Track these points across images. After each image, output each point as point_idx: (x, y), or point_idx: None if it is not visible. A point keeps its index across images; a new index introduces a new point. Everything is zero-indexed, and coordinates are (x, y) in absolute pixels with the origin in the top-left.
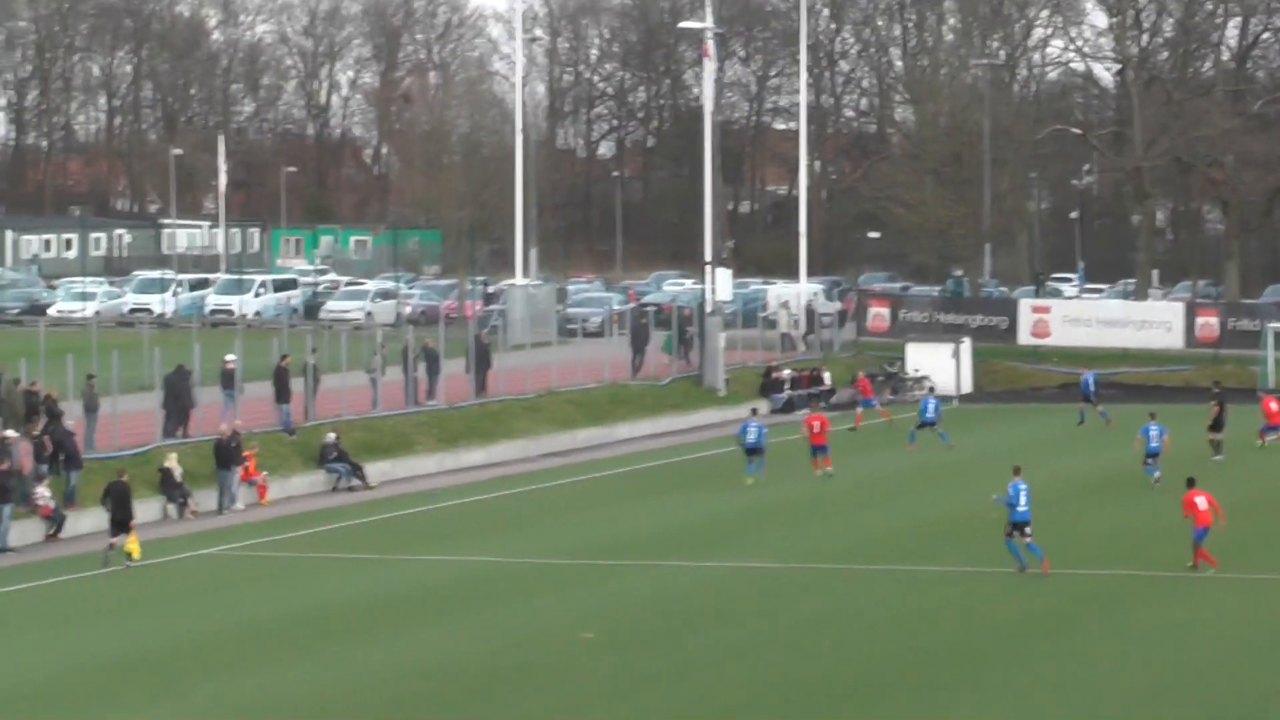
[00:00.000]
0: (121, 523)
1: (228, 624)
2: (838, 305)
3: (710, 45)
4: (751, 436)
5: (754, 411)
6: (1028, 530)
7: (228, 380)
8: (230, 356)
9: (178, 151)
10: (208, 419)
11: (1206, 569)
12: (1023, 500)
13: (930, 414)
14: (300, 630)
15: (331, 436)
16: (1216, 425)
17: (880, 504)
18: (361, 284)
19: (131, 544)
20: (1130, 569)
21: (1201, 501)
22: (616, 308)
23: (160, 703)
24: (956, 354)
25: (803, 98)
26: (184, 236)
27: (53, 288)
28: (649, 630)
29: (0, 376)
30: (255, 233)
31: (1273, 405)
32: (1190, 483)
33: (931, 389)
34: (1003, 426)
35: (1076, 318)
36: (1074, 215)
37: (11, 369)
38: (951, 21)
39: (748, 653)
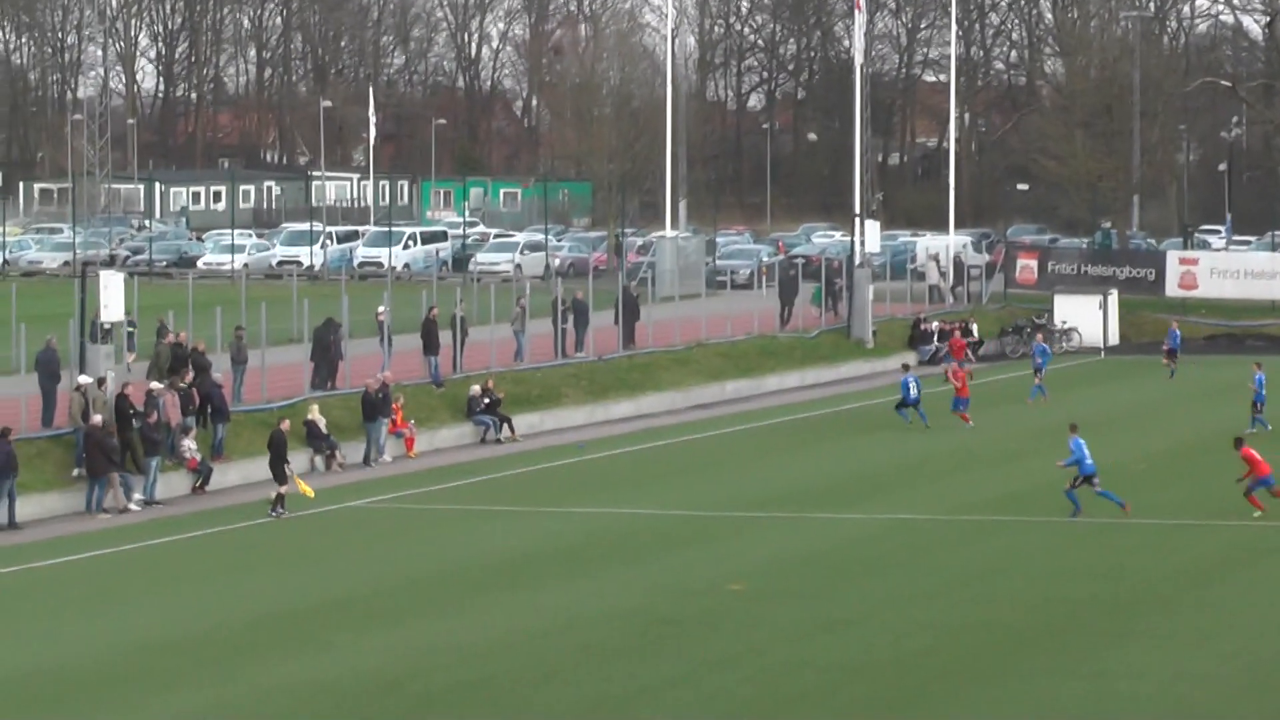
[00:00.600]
0: (281, 469)
1: (376, 577)
2: (986, 257)
3: None
4: (914, 392)
5: (906, 367)
6: (1096, 481)
7: (380, 331)
8: (381, 308)
9: (327, 104)
10: (357, 371)
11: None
12: (1087, 454)
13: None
14: (449, 583)
15: (476, 389)
16: None
17: (1025, 458)
18: (511, 236)
19: (302, 487)
20: (1273, 521)
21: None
22: (765, 260)
23: (309, 655)
24: (1104, 306)
25: (953, 50)
26: (333, 189)
27: (199, 239)
28: (807, 580)
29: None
30: (404, 185)
31: None
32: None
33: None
34: (1148, 378)
35: (1224, 270)
36: (1222, 167)
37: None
38: None
39: (914, 600)
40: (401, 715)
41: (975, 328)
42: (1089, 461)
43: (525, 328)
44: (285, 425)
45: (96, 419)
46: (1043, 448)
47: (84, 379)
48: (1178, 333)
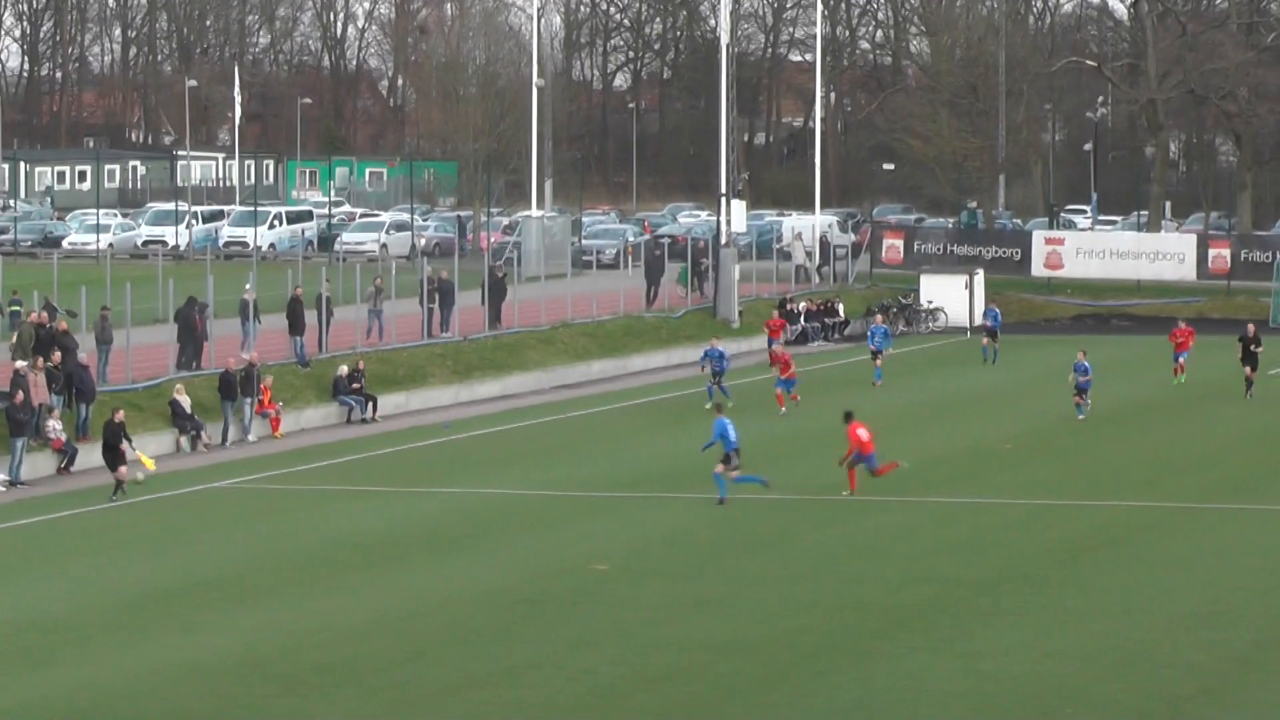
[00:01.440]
0: (116, 456)
1: (242, 558)
2: (852, 237)
3: None
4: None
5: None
6: (735, 461)
7: (244, 311)
8: (247, 287)
9: (193, 83)
10: (222, 351)
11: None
12: (731, 433)
13: (879, 341)
14: (314, 564)
15: (344, 369)
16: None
17: (889, 436)
18: (376, 216)
19: (143, 459)
20: (1142, 500)
21: (864, 433)
22: (631, 240)
23: (172, 634)
24: (970, 285)
25: (818, 29)
26: (198, 168)
27: (60, 219)
28: (673, 560)
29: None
30: (270, 164)
31: None
32: (848, 416)
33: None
34: (1015, 358)
35: (1089, 250)
36: (1088, 147)
37: (25, 302)
38: None
39: (783, 580)
40: (268, 695)
41: (841, 307)
42: (732, 438)
43: (381, 307)
44: (119, 416)
45: None
46: (907, 426)
47: None
48: (997, 311)
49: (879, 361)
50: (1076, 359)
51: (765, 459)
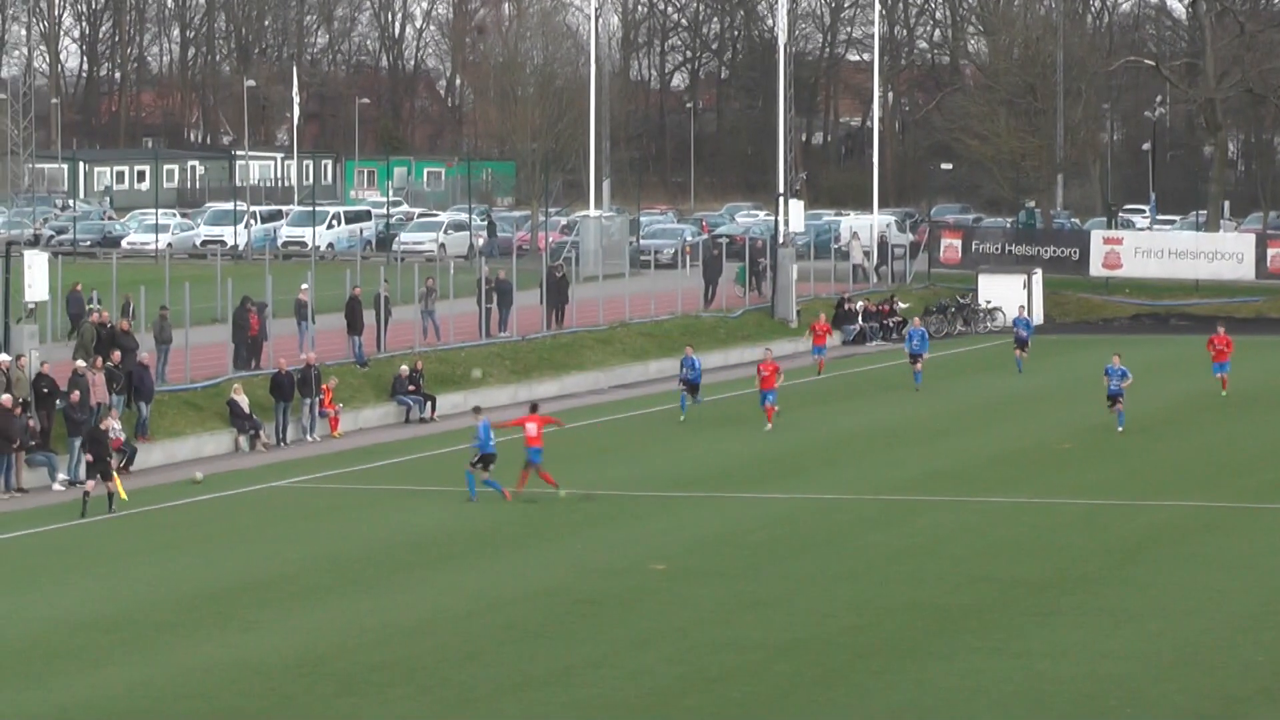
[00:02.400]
0: (102, 468)
1: (299, 557)
2: (910, 237)
3: None
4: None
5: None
6: (491, 468)
7: (301, 311)
8: (304, 287)
9: (251, 83)
10: (281, 351)
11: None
12: (491, 438)
13: (917, 345)
14: (371, 563)
15: (405, 369)
16: None
17: (949, 436)
18: (435, 216)
19: (117, 487)
20: (1200, 500)
21: (533, 428)
22: (689, 239)
23: (230, 633)
24: (1028, 285)
25: (876, 29)
26: (257, 168)
27: (111, 219)
28: (728, 560)
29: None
30: (329, 165)
31: None
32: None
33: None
34: (1074, 357)
35: (1148, 249)
36: (1146, 147)
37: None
38: None
39: (838, 580)
40: (325, 694)
41: (901, 307)
42: (491, 445)
43: (434, 307)
44: (107, 424)
45: (5, 399)
46: (966, 426)
47: (2, 356)
48: (1029, 320)
49: (918, 365)
50: (1110, 363)
51: (815, 461)
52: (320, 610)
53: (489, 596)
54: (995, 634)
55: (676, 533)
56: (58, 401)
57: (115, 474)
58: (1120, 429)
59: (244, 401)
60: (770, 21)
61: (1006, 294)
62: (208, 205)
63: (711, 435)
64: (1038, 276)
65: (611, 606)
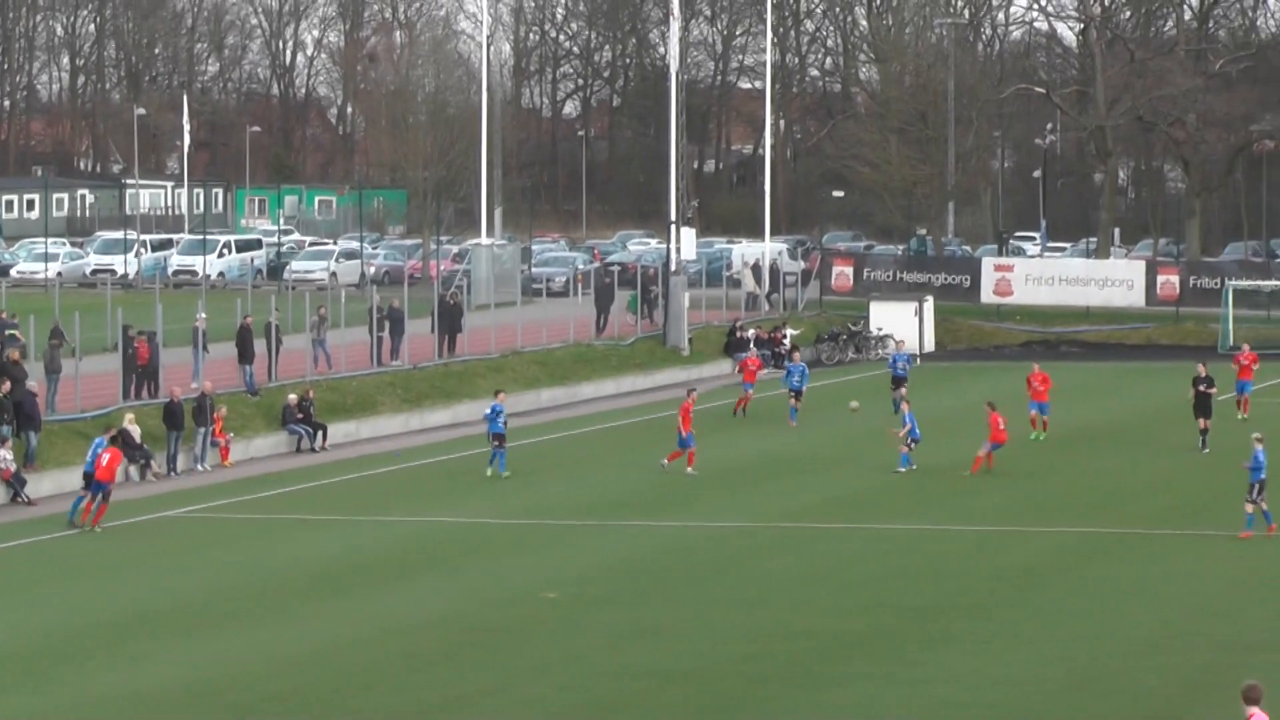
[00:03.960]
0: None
1: (193, 587)
2: (802, 264)
3: (676, 4)
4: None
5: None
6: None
7: (196, 340)
8: (201, 316)
9: (141, 111)
10: (172, 380)
11: None
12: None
13: (797, 381)
14: (265, 593)
15: (293, 398)
16: (1200, 411)
17: (839, 465)
18: (326, 244)
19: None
20: (1094, 526)
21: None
22: (581, 267)
23: (122, 664)
24: (919, 312)
25: (768, 57)
26: (147, 197)
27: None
28: (622, 587)
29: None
30: (219, 193)
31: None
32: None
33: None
34: (965, 384)
35: (1039, 276)
36: (1037, 174)
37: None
38: None
39: (732, 607)
40: None
41: (791, 334)
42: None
43: (325, 336)
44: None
45: None
46: (858, 453)
47: None
48: (905, 356)
49: (796, 402)
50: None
51: (709, 489)
52: (214, 640)
53: (383, 625)
54: (889, 660)
55: (571, 561)
56: None
57: None
58: (902, 470)
59: (136, 431)
60: (662, 49)
61: (898, 321)
62: (98, 234)
63: (605, 464)
64: (929, 304)
65: (506, 635)
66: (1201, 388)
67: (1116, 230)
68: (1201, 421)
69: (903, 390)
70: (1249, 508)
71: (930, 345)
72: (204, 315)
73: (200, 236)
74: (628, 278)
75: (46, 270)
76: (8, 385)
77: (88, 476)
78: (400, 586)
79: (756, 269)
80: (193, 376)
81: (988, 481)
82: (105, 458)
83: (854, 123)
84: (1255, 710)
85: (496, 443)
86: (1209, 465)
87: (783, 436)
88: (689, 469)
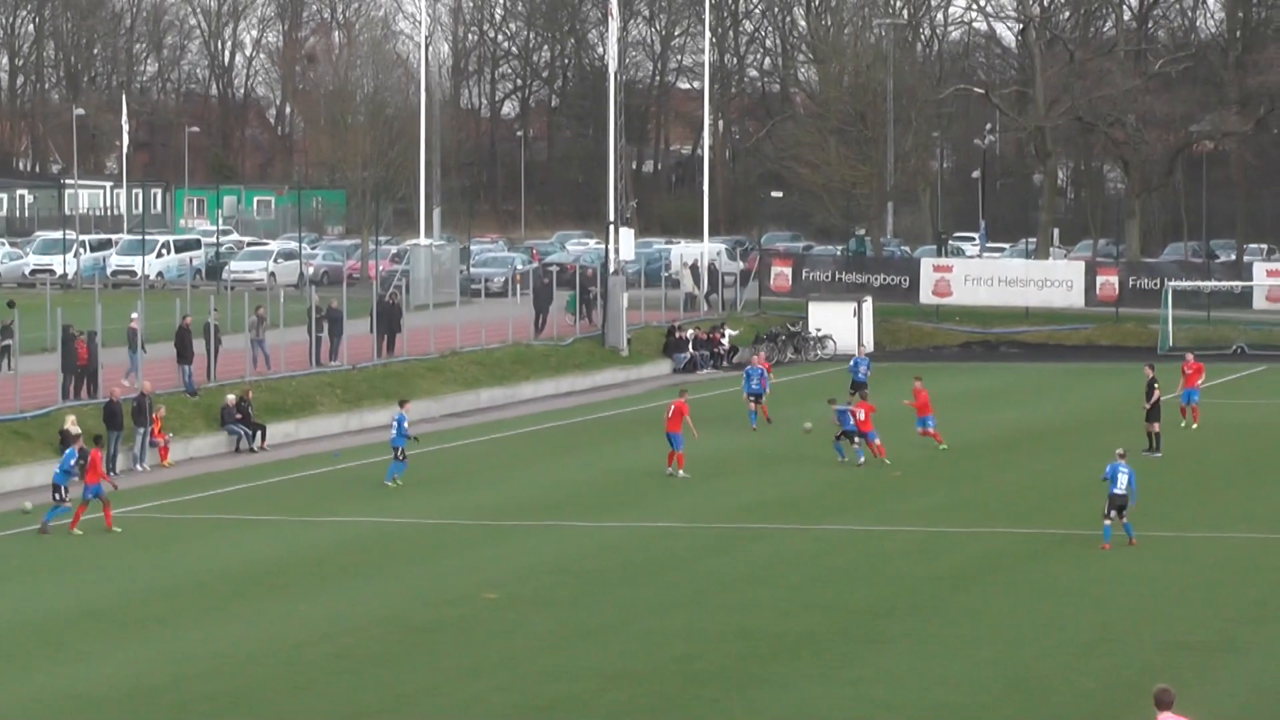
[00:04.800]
0: None
1: (131, 587)
2: (740, 265)
3: (614, 4)
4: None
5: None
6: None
7: (132, 340)
8: (134, 316)
9: (80, 112)
10: (112, 380)
11: None
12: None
13: (756, 385)
14: (203, 593)
15: (231, 398)
16: (1153, 414)
17: (779, 465)
18: (265, 244)
19: None
20: (1032, 527)
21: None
22: (520, 268)
23: (60, 664)
24: (858, 313)
25: (706, 57)
26: (86, 197)
27: None
28: (562, 588)
29: None
30: (158, 193)
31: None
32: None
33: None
34: (904, 385)
35: (978, 277)
36: (976, 175)
37: None
38: None
39: (672, 608)
40: None
41: (729, 335)
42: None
43: (264, 336)
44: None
45: None
46: (798, 454)
47: None
48: (866, 361)
49: (754, 405)
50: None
51: (649, 489)
52: (152, 640)
53: (321, 626)
54: (828, 661)
55: (509, 561)
56: None
57: None
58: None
59: (77, 432)
60: (601, 50)
61: (837, 322)
62: (37, 234)
63: (544, 464)
64: (868, 304)
65: (444, 635)
66: (1158, 391)
67: (1056, 231)
68: (1152, 426)
69: (865, 394)
70: (1109, 521)
71: (869, 346)
72: (138, 315)
73: (139, 237)
74: (566, 278)
75: None
76: None
77: (57, 487)
78: (339, 587)
79: (695, 269)
80: (125, 374)
81: (929, 482)
82: (82, 465)
83: (793, 123)
84: (1167, 714)
85: (395, 453)
86: (1149, 467)
87: (723, 437)
88: (680, 471)
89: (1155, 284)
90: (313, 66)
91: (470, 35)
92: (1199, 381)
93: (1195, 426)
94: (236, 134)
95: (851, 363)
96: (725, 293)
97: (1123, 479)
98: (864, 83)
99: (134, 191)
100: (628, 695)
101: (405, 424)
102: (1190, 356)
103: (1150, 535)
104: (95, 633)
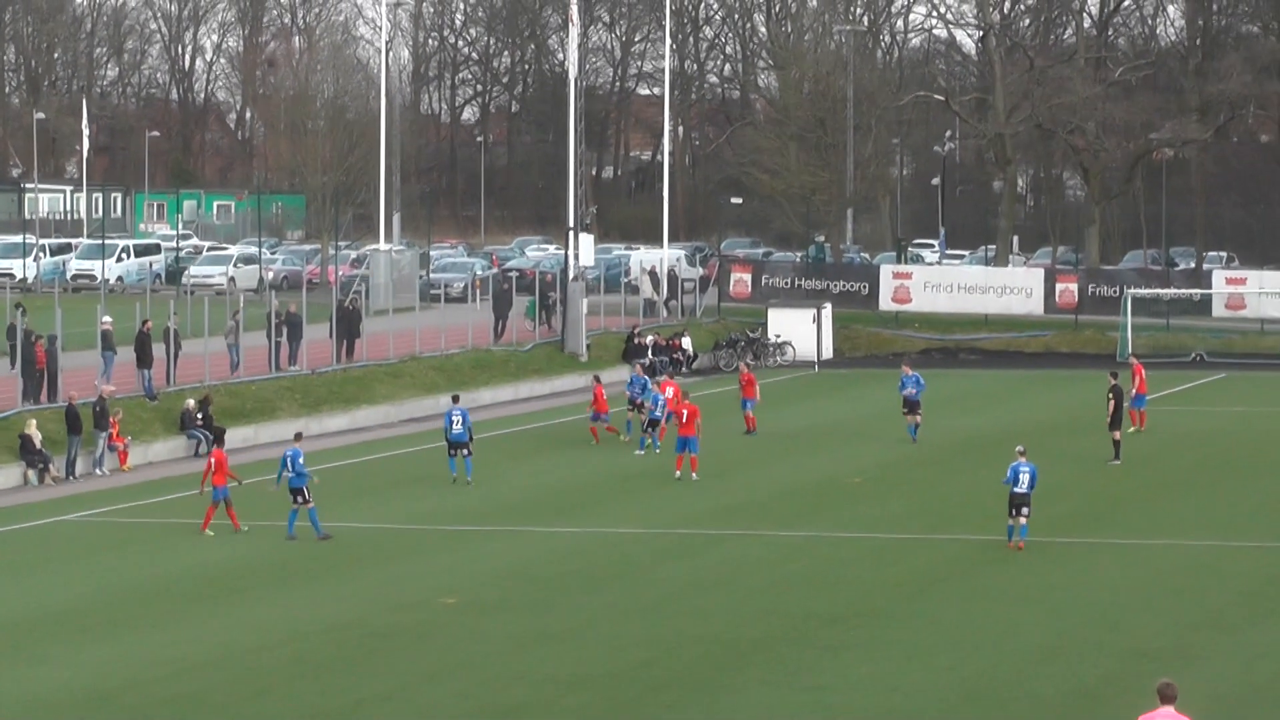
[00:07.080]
0: None
1: (90, 591)
2: (700, 271)
3: (575, 10)
4: (457, 429)
5: (455, 399)
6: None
7: (105, 343)
8: (107, 319)
9: (40, 115)
10: (72, 383)
11: None
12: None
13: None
14: (161, 597)
15: (191, 403)
16: (1115, 422)
17: (737, 470)
18: (225, 249)
19: None
20: (990, 534)
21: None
22: (479, 273)
23: (19, 668)
24: (818, 319)
25: (667, 63)
26: (46, 201)
27: None
28: (519, 593)
29: None
30: (118, 197)
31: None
32: None
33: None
34: (863, 392)
35: (938, 284)
36: (936, 181)
37: None
38: None
39: (630, 614)
40: None
41: (688, 341)
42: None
43: (240, 341)
44: None
45: None
46: (756, 459)
47: None
48: (916, 376)
49: (650, 429)
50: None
51: (607, 494)
52: (111, 644)
53: (280, 630)
54: (786, 667)
55: (467, 566)
56: None
57: None
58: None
59: (37, 437)
60: (561, 55)
61: (796, 328)
62: None
63: (503, 469)
64: (827, 311)
65: (402, 640)
66: (1114, 400)
67: (1015, 238)
68: (1116, 433)
69: (917, 416)
70: (1013, 521)
71: (829, 353)
72: (109, 318)
73: (99, 241)
74: (526, 284)
75: None
76: None
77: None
78: (297, 591)
79: (654, 275)
80: (97, 376)
81: (884, 489)
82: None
83: (753, 129)
84: (1169, 709)
85: (294, 498)
86: (1105, 473)
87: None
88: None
89: (1115, 291)
90: (273, 71)
91: (431, 40)
92: (1144, 386)
93: (1136, 430)
94: (197, 138)
95: (900, 381)
96: (685, 299)
97: (1024, 478)
98: (824, 89)
99: (94, 196)
100: (586, 700)
101: (300, 459)
102: (1133, 360)
103: (1109, 542)
104: (54, 636)
